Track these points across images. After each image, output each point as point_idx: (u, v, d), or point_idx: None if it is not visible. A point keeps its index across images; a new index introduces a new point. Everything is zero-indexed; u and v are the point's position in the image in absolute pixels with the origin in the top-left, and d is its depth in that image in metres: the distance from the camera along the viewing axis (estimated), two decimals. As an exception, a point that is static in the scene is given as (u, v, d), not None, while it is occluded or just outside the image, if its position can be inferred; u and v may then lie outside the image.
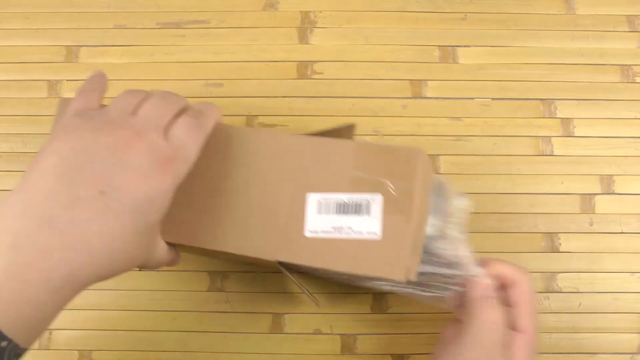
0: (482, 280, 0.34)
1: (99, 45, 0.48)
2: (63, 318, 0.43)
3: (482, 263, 0.35)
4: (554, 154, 0.45)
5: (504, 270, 0.35)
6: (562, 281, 0.43)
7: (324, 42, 0.48)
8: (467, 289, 0.34)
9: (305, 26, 0.48)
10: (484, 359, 0.32)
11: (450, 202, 0.35)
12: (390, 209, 0.32)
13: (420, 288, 0.35)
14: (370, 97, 0.47)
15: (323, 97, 0.47)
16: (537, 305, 0.35)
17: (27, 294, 0.26)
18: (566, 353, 0.42)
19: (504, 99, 0.47)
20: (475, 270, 0.34)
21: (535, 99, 0.46)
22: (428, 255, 0.34)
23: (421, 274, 0.34)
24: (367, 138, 0.46)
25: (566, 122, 0.46)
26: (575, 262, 0.44)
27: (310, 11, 0.49)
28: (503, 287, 0.35)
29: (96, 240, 0.27)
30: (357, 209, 0.32)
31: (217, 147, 0.34)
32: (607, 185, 0.45)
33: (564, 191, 0.45)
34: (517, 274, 0.34)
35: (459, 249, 0.34)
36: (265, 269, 0.44)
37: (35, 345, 0.43)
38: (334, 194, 0.33)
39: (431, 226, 0.34)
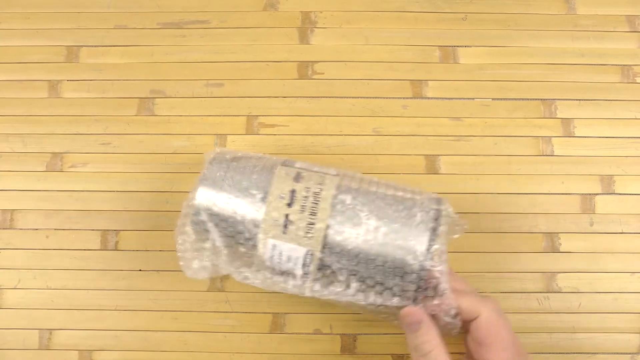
0: (413, 311, 0.31)
1: (99, 45, 0.48)
2: (63, 318, 0.43)
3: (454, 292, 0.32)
4: (555, 154, 0.45)
5: (462, 304, 0.31)
6: (562, 281, 0.43)
7: (325, 42, 0.48)
8: (401, 316, 0.32)
9: (306, 26, 0.48)
10: None
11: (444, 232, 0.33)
12: None
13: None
14: (370, 97, 0.47)
15: (323, 97, 0.47)
16: (509, 333, 0.31)
17: None
18: (566, 353, 0.42)
19: (504, 99, 0.47)
20: (448, 302, 0.31)
21: (536, 99, 0.46)
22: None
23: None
24: (367, 138, 0.46)
25: (566, 122, 0.46)
26: (576, 262, 0.44)
27: (310, 11, 0.49)
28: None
29: None
30: None
31: None
32: (608, 185, 0.45)
33: (565, 191, 0.45)
34: (474, 306, 0.31)
35: (442, 274, 0.31)
36: None
37: (36, 345, 0.43)
38: None
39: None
